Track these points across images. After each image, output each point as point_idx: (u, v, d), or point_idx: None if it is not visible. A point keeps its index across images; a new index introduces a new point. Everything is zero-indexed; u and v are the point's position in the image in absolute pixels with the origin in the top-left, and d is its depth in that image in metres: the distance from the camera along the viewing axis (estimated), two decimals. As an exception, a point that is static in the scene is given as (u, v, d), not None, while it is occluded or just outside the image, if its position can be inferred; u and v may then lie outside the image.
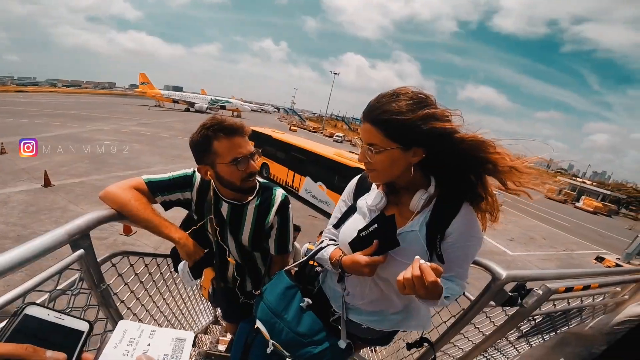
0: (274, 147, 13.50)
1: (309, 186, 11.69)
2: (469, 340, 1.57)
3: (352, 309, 1.15)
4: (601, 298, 1.84)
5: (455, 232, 0.91)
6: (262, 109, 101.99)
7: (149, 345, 0.50)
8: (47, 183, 8.59)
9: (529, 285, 1.21)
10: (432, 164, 0.92)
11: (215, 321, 3.11)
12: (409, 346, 1.27)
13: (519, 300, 1.17)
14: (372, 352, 2.35)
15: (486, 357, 1.89)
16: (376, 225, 0.89)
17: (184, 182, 1.31)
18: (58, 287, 0.85)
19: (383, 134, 0.86)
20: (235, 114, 51.73)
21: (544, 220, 21.02)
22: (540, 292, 1.16)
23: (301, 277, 1.23)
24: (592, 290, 1.61)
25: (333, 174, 10.47)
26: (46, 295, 0.81)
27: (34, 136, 10.86)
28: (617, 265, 11.38)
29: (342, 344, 1.09)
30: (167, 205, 1.31)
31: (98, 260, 1.04)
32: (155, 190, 1.24)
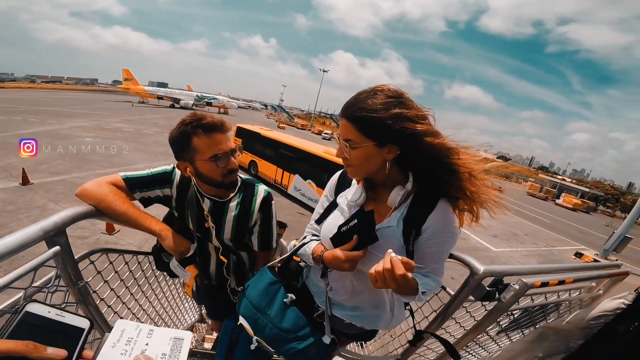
0: (262, 145, 13.40)
1: (298, 184, 11.65)
2: (450, 335, 1.59)
3: (335, 304, 1.15)
4: (577, 293, 1.89)
5: (431, 228, 0.92)
6: (249, 106, 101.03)
7: (147, 344, 0.50)
8: (25, 181, 8.31)
9: (506, 280, 1.23)
10: (408, 161, 0.93)
11: (201, 319, 3.08)
12: (412, 342, 1.32)
13: (497, 295, 1.19)
14: (359, 346, 2.37)
15: (468, 352, 1.92)
16: (356, 221, 0.90)
17: (163, 178, 1.29)
18: (33, 285, 0.83)
19: (358, 130, 0.87)
20: (222, 110, 51.18)
21: (526, 217, 21.61)
22: (517, 287, 1.18)
23: (285, 273, 1.23)
24: (568, 285, 1.64)
25: (322, 172, 10.47)
26: (20, 293, 0.79)
27: (10, 133, 10.47)
28: (595, 261, 11.77)
29: (327, 339, 1.10)
30: (146, 202, 1.29)
31: (75, 257, 1.01)
32: (133, 186, 1.22)
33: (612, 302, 1.88)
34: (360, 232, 0.90)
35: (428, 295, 0.95)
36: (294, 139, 13.17)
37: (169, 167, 1.31)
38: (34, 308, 0.45)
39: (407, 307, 1.28)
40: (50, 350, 0.42)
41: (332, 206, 1.12)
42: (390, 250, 0.77)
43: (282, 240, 1.86)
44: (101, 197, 1.09)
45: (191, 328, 2.91)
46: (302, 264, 1.27)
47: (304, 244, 1.15)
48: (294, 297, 1.12)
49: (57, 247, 0.88)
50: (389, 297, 1.11)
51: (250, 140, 13.95)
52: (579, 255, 12.71)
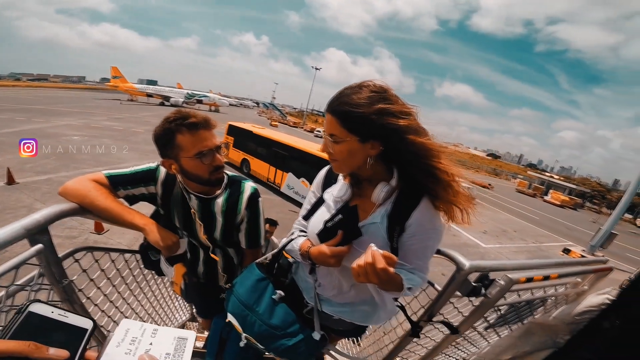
0: (255, 143, 13.28)
1: (291, 182, 11.58)
2: (439, 330, 1.59)
3: (324, 300, 1.15)
4: (563, 288, 1.90)
5: (414, 225, 0.91)
6: (241, 104, 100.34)
7: (151, 344, 0.50)
8: (10, 181, 8.10)
9: (493, 275, 1.23)
10: (392, 157, 0.93)
11: (193, 318, 3.06)
12: (413, 335, 1.32)
13: (483, 291, 1.19)
14: (352, 343, 2.38)
15: (458, 348, 1.94)
16: (341, 216, 0.92)
17: (148, 175, 1.28)
18: (16, 283, 0.82)
19: (341, 125, 0.87)
20: (213, 108, 50.76)
21: (515, 214, 21.96)
22: (503, 282, 1.18)
23: (273, 270, 1.23)
24: (553, 280, 1.65)
25: (316, 170, 10.35)
26: (2, 292, 0.78)
27: (-5, 131, 10.19)
28: (582, 256, 12.04)
29: (317, 335, 1.09)
30: (131, 200, 1.27)
31: (60, 255, 1.00)
32: (116, 184, 1.20)
33: (597, 297, 1.89)
34: (344, 228, 0.91)
35: (414, 292, 0.94)
36: (287, 137, 13.08)
37: (153, 165, 1.30)
38: (36, 308, 0.45)
39: (397, 303, 1.28)
40: (52, 351, 0.42)
41: (319, 202, 1.12)
42: (372, 245, 0.77)
43: (273, 237, 1.85)
44: (84, 194, 1.08)
45: (182, 327, 2.89)
46: (291, 260, 1.27)
47: (292, 239, 1.14)
48: (282, 294, 1.12)
49: (40, 245, 0.87)
50: (377, 292, 1.11)
51: (242, 138, 13.83)
52: (566, 251, 12.95)
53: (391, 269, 0.74)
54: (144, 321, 1.95)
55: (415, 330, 1.28)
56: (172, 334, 0.53)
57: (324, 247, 0.94)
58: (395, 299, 1.25)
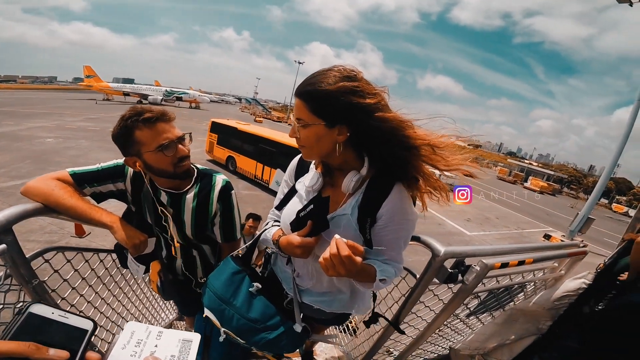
0: (240, 140, 13.02)
1: (280, 178, 11.37)
2: (422, 319, 1.60)
3: (304, 291, 1.14)
4: (541, 274, 1.91)
5: (386, 215, 0.88)
6: (222, 100, 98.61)
7: (156, 346, 0.50)
8: (-18, 186, 7.77)
9: (470, 262, 1.22)
10: (362, 144, 0.89)
11: (180, 317, 3.02)
12: (367, 324, 1.27)
13: (460, 277, 1.19)
14: (351, 334, 2.38)
15: (441, 335, 1.95)
16: (312, 206, 0.89)
17: (115, 172, 1.24)
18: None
19: (308, 108, 0.84)
20: (194, 105, 49.79)
21: (497, 201, 22.59)
22: (478, 268, 1.18)
23: (250, 262, 1.20)
24: (530, 265, 1.64)
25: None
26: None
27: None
28: (562, 242, 12.44)
29: (298, 327, 1.07)
30: (99, 198, 1.24)
31: (28, 256, 0.97)
32: (82, 181, 1.17)
33: (574, 282, 1.90)
34: (314, 218, 0.88)
35: (387, 283, 0.92)
36: (273, 132, 12.88)
37: (121, 161, 1.25)
38: (37, 309, 0.45)
39: (371, 292, 1.26)
40: (53, 352, 0.42)
41: (292, 192, 1.10)
42: (336, 235, 0.75)
43: (257, 232, 1.83)
44: (47, 193, 1.04)
45: (170, 326, 2.84)
46: (269, 251, 1.25)
47: (266, 229, 1.12)
48: (259, 286, 1.09)
49: (3, 246, 0.85)
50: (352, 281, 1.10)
51: (227, 135, 13.55)
52: (547, 237, 13.40)
53: (357, 258, 0.72)
54: (127, 321, 1.91)
55: (373, 320, 1.25)
56: (177, 336, 0.53)
57: (292, 237, 0.92)
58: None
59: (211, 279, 1.14)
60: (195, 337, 0.54)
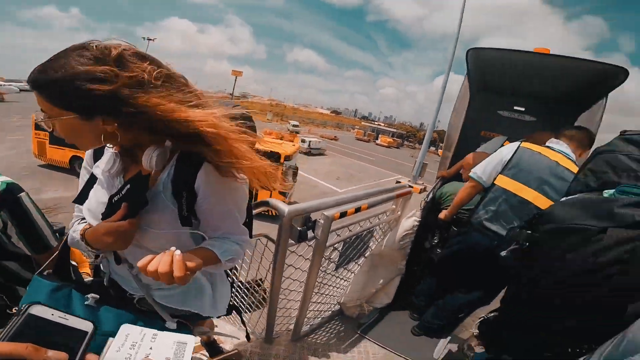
0: None
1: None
2: (297, 280, 1.65)
3: (150, 287, 0.92)
4: (385, 217, 2.09)
5: (203, 186, 0.75)
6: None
7: (150, 348, 0.50)
8: None
9: (317, 217, 1.27)
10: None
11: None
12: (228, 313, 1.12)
13: (312, 233, 1.26)
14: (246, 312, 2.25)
15: (322, 293, 2.05)
16: (129, 186, 0.75)
17: None
18: None
19: (44, 99, 0.65)
20: (-5, 97, 37.08)
21: (357, 158, 25.57)
22: (322, 221, 1.26)
23: (68, 273, 0.96)
24: (373, 209, 1.78)
25: None
26: None
27: None
28: (410, 186, 15.12)
29: (172, 324, 0.87)
30: None
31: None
32: None
33: (408, 220, 2.19)
34: (129, 198, 0.74)
35: (235, 261, 0.84)
36: None
37: None
38: (37, 310, 0.45)
39: (229, 279, 1.11)
40: (51, 354, 0.41)
41: (92, 180, 0.87)
42: (173, 249, 0.65)
43: None
44: None
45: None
46: (97, 261, 1.01)
47: (72, 230, 0.89)
48: (96, 296, 0.81)
49: None
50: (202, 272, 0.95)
51: None
52: (398, 183, 15.97)
53: (192, 263, 0.65)
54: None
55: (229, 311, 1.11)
56: (171, 339, 0.52)
57: (99, 225, 0.75)
58: (228, 275, 1.11)
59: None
60: (190, 340, 0.53)
